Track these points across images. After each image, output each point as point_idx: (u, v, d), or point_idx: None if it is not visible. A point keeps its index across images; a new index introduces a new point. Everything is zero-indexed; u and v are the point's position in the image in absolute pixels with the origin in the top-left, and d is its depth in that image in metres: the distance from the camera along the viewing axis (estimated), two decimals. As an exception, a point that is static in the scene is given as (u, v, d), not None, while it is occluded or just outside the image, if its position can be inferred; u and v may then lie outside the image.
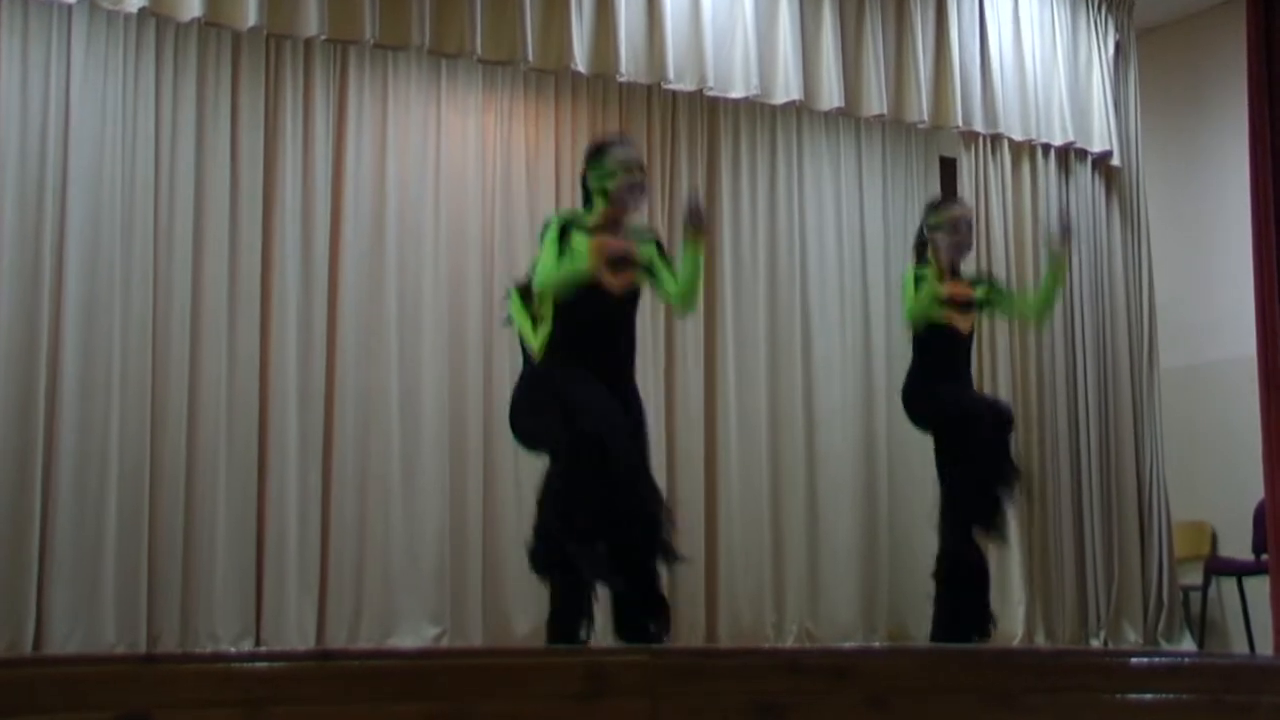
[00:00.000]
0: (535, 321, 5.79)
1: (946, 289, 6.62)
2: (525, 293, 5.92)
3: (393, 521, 7.70)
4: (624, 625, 5.45)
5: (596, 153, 5.76)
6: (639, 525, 5.36)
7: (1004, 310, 7.17)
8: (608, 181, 5.64)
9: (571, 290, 5.54)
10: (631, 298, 5.68)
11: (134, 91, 7.39)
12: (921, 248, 6.80)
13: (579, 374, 5.44)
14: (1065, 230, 6.97)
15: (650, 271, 5.77)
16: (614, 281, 5.57)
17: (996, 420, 6.74)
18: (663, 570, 5.57)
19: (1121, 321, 9.38)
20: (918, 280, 6.66)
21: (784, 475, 8.71)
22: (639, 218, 6.10)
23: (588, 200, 5.76)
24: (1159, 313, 9.44)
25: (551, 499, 5.41)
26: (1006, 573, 8.79)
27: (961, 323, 6.69)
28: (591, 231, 5.60)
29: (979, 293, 6.90)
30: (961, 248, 6.69)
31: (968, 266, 7.12)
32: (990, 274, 7.94)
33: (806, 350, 8.89)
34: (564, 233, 5.58)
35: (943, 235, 6.66)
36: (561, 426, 5.36)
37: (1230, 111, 9.30)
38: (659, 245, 5.87)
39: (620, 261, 5.59)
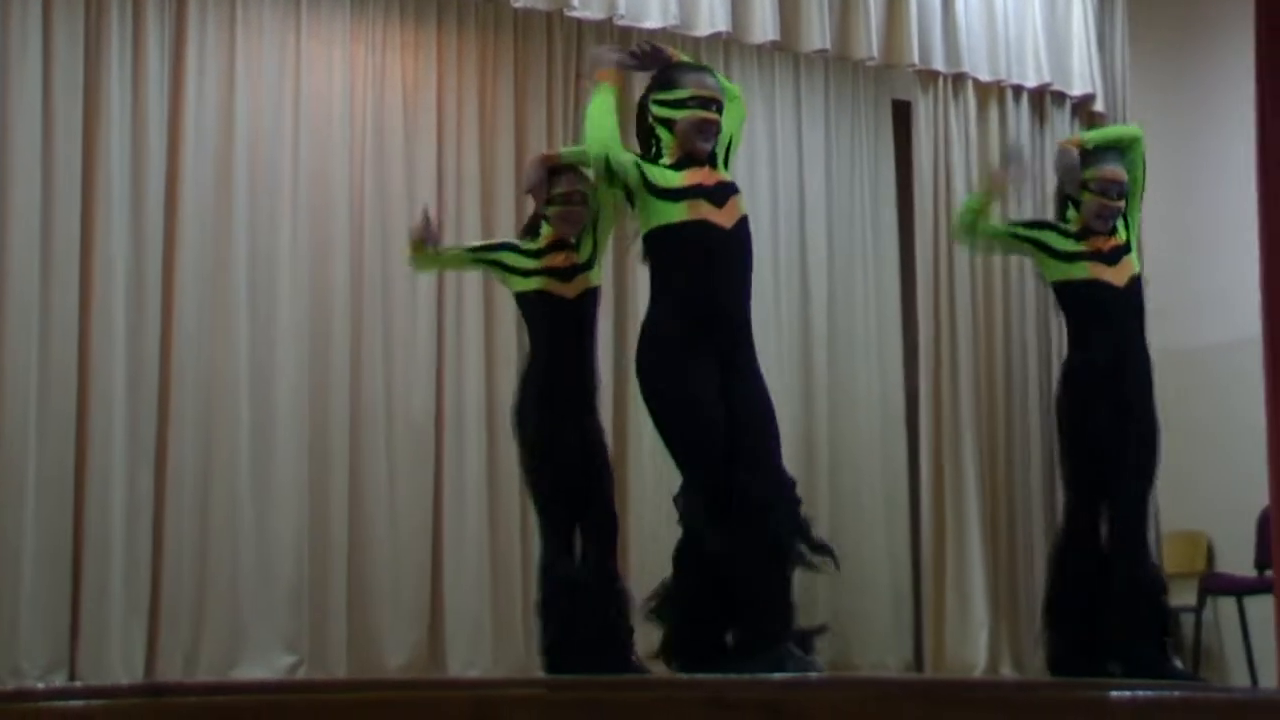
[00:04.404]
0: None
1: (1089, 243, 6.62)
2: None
3: (240, 531, 7.65)
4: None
5: (668, 76, 5.70)
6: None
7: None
8: (677, 112, 5.59)
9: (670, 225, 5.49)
10: (744, 233, 5.62)
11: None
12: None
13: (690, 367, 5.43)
14: (1012, 158, 6.98)
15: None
16: (720, 215, 5.55)
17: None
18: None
19: (1104, 297, 9.46)
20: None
21: (707, 478, 8.71)
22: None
23: (647, 144, 5.70)
24: (1148, 287, 9.49)
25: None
26: (967, 592, 8.87)
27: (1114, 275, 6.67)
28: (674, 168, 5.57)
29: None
30: (1108, 216, 6.63)
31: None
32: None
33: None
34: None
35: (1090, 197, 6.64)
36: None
37: (1235, 51, 9.37)
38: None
39: (720, 190, 5.57)
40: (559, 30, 8.64)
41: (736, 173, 8.84)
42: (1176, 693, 5.35)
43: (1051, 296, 6.98)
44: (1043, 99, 9.52)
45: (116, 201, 7.57)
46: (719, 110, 5.61)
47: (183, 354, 7.67)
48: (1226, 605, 9.25)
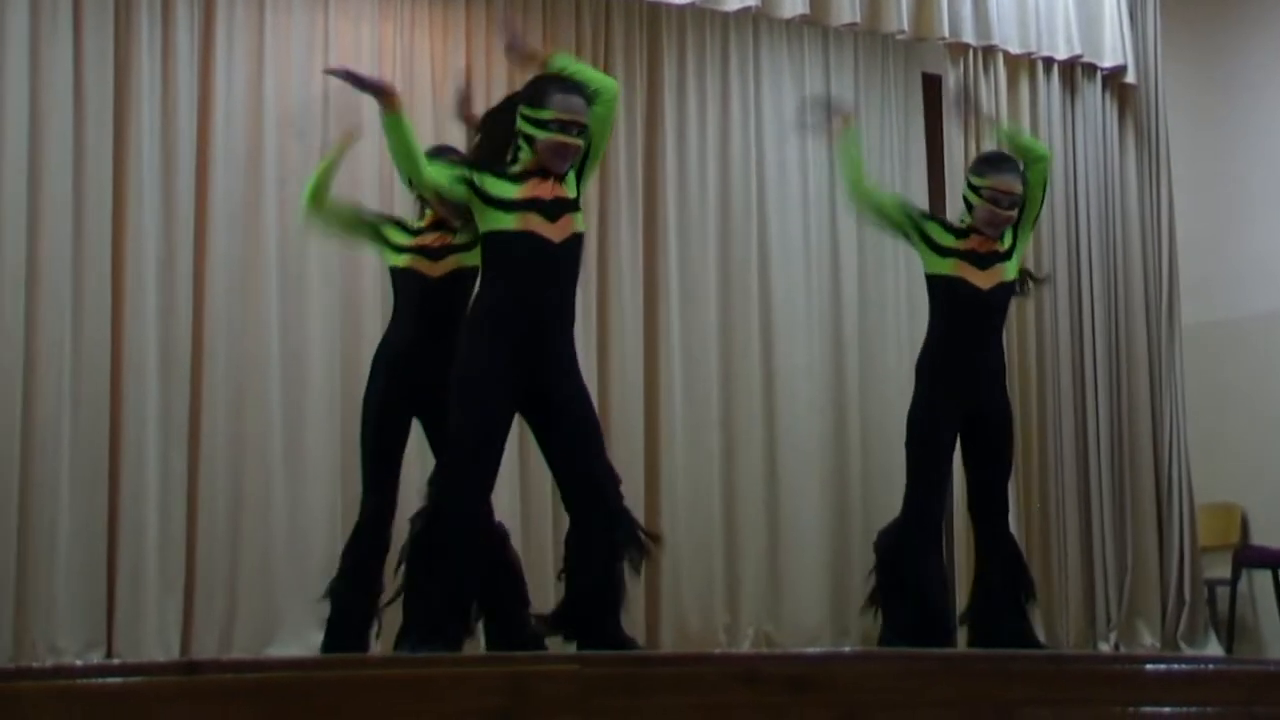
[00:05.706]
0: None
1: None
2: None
3: (273, 509, 7.68)
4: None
5: (539, 91, 5.72)
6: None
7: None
8: (539, 132, 5.62)
9: (501, 239, 5.57)
10: (574, 248, 5.68)
11: (-46, -6, 7.31)
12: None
13: (481, 376, 5.52)
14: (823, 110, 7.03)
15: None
16: (551, 229, 5.58)
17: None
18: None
19: (1136, 268, 9.44)
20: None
21: (738, 449, 8.73)
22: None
23: (502, 144, 5.70)
24: (1181, 258, 9.50)
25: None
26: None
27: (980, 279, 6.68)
28: (516, 179, 5.60)
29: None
30: (997, 224, 6.63)
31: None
32: None
33: (765, 300, 8.91)
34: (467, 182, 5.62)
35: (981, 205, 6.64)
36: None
37: (1269, 21, 9.36)
38: None
39: (556, 205, 5.61)
40: (587, 9, 8.64)
41: (766, 147, 8.99)
42: (1211, 665, 5.36)
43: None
44: (1074, 71, 9.48)
45: (147, 182, 7.59)
46: (580, 133, 5.63)
47: (215, 333, 7.70)
48: (1261, 577, 9.25)
